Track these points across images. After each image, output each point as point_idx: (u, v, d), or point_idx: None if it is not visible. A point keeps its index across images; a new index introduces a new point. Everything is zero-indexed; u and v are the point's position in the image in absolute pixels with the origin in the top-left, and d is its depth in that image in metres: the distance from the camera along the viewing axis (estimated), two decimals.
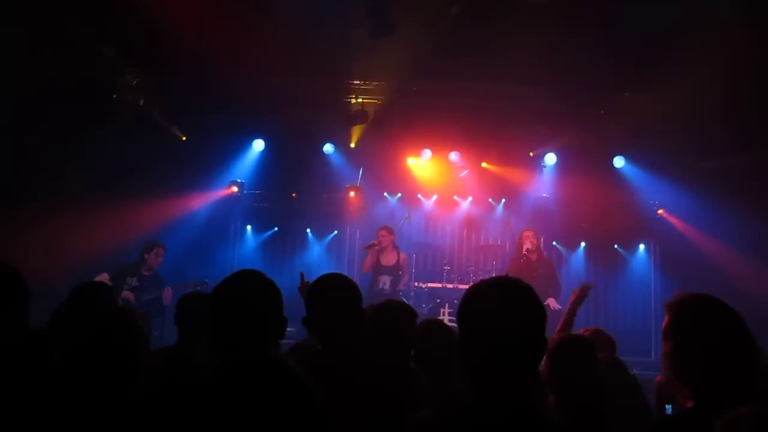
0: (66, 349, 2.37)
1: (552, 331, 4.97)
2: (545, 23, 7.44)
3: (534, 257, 8.64)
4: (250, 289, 2.24)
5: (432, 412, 1.79)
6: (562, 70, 8.48)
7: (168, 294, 7.80)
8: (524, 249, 8.58)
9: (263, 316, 2.19)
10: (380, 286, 8.81)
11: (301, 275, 3.90)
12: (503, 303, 1.74)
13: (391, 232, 9.08)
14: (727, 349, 1.98)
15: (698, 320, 2.07)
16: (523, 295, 1.77)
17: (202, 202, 10.41)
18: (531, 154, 10.92)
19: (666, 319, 2.16)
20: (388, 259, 9.03)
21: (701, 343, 2.01)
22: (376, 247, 8.97)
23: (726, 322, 2.04)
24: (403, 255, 9.19)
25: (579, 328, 4.09)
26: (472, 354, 1.75)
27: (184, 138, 10.15)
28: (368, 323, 2.94)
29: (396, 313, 3.03)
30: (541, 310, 1.77)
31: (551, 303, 8.23)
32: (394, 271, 9.00)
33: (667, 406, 3.56)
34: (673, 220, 10.68)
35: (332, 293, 2.65)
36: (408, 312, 3.11)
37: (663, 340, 2.13)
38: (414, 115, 10.11)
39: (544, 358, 2.93)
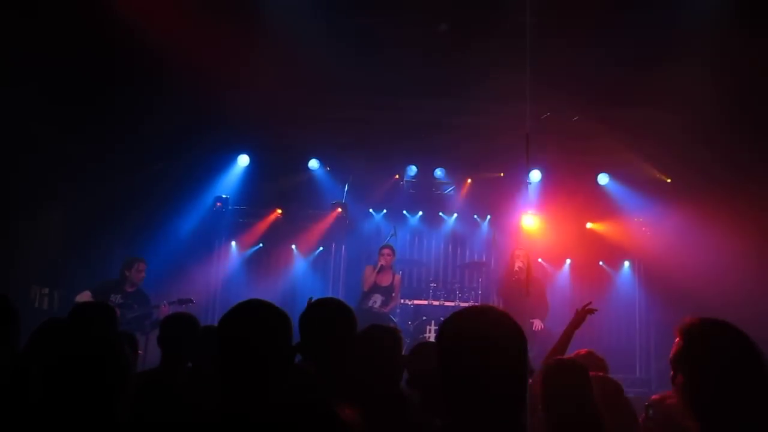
0: (47, 374, 2.30)
1: (544, 351, 4.97)
2: (532, 41, 7.47)
3: (524, 276, 8.64)
4: (259, 326, 2.14)
5: None
6: (547, 87, 8.50)
7: (165, 309, 7.67)
8: (516, 267, 8.60)
9: (271, 354, 2.11)
10: (369, 303, 8.81)
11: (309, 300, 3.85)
12: (483, 332, 1.74)
13: (394, 252, 9.09)
14: (740, 381, 1.93)
15: (710, 349, 2.01)
16: (503, 323, 1.77)
17: (186, 217, 10.31)
18: (501, 174, 10.93)
19: (676, 344, 2.11)
20: (385, 278, 9.07)
21: (714, 374, 1.96)
22: (382, 263, 8.96)
23: (739, 352, 1.99)
24: (397, 276, 9.27)
25: (570, 349, 4.05)
26: (455, 383, 1.74)
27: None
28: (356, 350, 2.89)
29: (378, 338, 2.97)
30: (521, 337, 1.77)
31: (536, 324, 8.23)
32: (388, 291, 9.05)
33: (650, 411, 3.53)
34: (658, 237, 10.72)
35: (327, 320, 2.61)
36: (392, 335, 3.05)
37: (673, 369, 2.09)
38: (400, 131, 10.09)
39: (539, 381, 2.90)
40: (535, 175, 10.82)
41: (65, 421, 2.16)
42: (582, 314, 4.26)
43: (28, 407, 2.31)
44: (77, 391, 2.20)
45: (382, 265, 9.01)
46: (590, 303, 4.41)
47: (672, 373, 2.10)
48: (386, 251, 9.07)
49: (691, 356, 2.04)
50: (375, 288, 8.97)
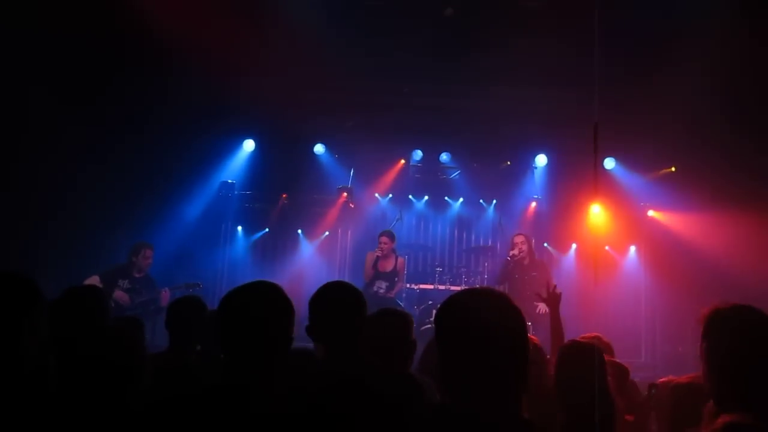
0: (65, 360, 2.33)
1: (545, 336, 4.98)
2: (538, 25, 7.44)
3: (526, 261, 8.67)
4: (260, 302, 2.17)
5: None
6: (554, 72, 8.47)
7: (165, 295, 7.75)
8: (516, 252, 8.61)
9: (272, 330, 2.14)
10: (374, 289, 8.82)
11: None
12: (481, 312, 1.76)
13: (392, 238, 9.07)
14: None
15: (736, 335, 2.02)
16: (501, 303, 1.79)
17: (193, 202, 10.34)
18: (508, 163, 10.93)
19: (703, 331, 2.11)
20: (387, 264, 9.05)
21: (735, 360, 1.98)
22: (379, 254, 8.97)
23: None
24: (401, 259, 9.25)
25: (575, 334, 4.06)
26: (453, 364, 1.75)
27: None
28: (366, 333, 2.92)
29: (390, 323, 2.99)
30: (520, 317, 1.78)
31: (541, 308, 8.24)
32: (391, 276, 9.04)
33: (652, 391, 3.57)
34: (663, 222, 10.72)
35: (337, 302, 2.63)
36: (404, 319, 3.07)
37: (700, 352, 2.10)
38: (406, 115, 10.07)
39: (553, 364, 2.93)
40: (541, 160, 10.80)
41: (78, 409, 2.19)
42: (552, 300, 4.31)
43: (48, 396, 2.33)
44: (90, 380, 2.24)
45: (378, 256, 9.01)
46: (555, 286, 4.50)
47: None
48: (383, 239, 9.01)
49: (717, 328, 2.05)
50: (378, 275, 8.98)
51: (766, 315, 2.05)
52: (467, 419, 1.69)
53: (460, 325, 1.77)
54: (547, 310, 8.18)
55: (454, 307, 1.82)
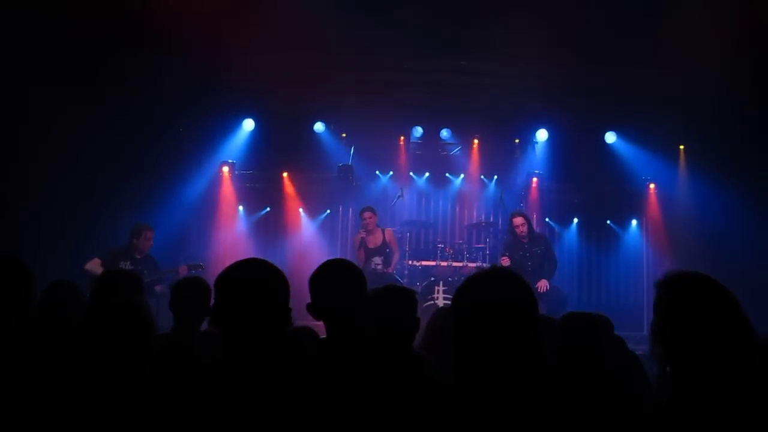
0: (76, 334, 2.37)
1: (553, 310, 5.00)
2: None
3: (526, 239, 8.69)
4: (255, 280, 2.17)
5: (433, 410, 1.78)
6: (554, 46, 8.41)
7: (183, 270, 7.79)
8: (516, 233, 8.65)
9: (269, 309, 2.14)
10: (373, 266, 8.84)
11: None
12: (495, 293, 1.79)
13: (374, 212, 9.08)
14: (711, 325, 1.92)
15: (683, 294, 2.01)
16: (514, 283, 1.82)
17: (193, 182, 10.33)
18: (516, 141, 10.92)
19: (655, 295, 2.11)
20: (375, 240, 9.06)
21: (683, 316, 1.96)
22: (363, 235, 8.98)
23: (712, 297, 1.98)
24: (388, 230, 9.23)
25: (578, 307, 4.08)
26: (467, 344, 1.78)
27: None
28: (370, 310, 2.93)
29: (397, 298, 3.00)
30: (532, 297, 1.82)
31: (541, 285, 8.28)
32: (383, 249, 9.05)
33: None
34: (665, 195, 10.72)
35: (338, 278, 2.63)
36: (409, 296, 3.08)
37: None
38: (405, 92, 10.02)
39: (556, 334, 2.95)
40: (542, 135, 10.76)
41: (97, 378, 2.21)
42: None
43: (39, 369, 2.37)
44: (107, 350, 2.26)
45: (362, 236, 9.03)
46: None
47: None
48: (366, 215, 9.00)
49: (665, 303, 2.03)
50: (370, 252, 8.99)
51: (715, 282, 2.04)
52: (486, 400, 1.71)
53: (475, 304, 1.80)
54: (547, 287, 8.28)
55: (471, 289, 1.85)
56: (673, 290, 2.03)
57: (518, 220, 8.69)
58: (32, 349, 2.51)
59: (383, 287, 3.03)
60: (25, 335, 2.52)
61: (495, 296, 1.78)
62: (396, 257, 9.27)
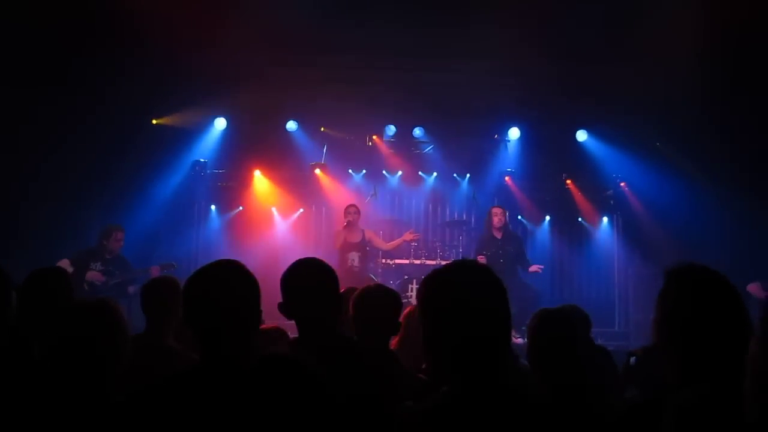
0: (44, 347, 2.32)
1: (522, 306, 5.01)
2: None
3: (500, 235, 8.77)
4: (227, 281, 2.15)
5: (413, 404, 1.77)
6: (527, 45, 8.45)
7: (156, 270, 7.72)
8: (493, 225, 8.72)
9: (240, 309, 2.13)
10: (349, 263, 8.88)
11: None
12: (463, 283, 1.77)
13: (358, 210, 9.18)
14: (721, 315, 1.91)
15: (694, 285, 1.99)
16: (486, 277, 1.80)
17: (165, 182, 10.23)
18: (496, 136, 10.98)
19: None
20: (355, 236, 9.10)
21: (688, 313, 1.94)
22: (347, 225, 9.02)
23: (722, 289, 1.97)
24: (368, 232, 9.32)
25: (550, 304, 4.11)
26: (437, 336, 1.76)
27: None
28: (353, 310, 2.93)
29: (383, 302, 3.01)
30: (501, 287, 1.79)
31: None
32: (361, 247, 9.10)
33: (631, 358, 3.62)
34: (636, 193, 10.83)
35: (309, 278, 2.62)
36: (394, 298, 3.10)
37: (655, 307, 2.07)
38: (378, 90, 10.01)
39: (528, 331, 2.95)
40: (514, 133, 10.81)
41: (61, 396, 2.18)
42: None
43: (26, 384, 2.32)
44: (72, 365, 2.22)
45: (349, 221, 9.08)
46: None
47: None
48: (351, 209, 9.18)
49: (669, 293, 2.03)
50: (348, 246, 9.05)
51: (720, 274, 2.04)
52: (458, 396, 1.70)
53: (445, 298, 1.77)
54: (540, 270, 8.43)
55: (438, 282, 1.82)
56: (684, 280, 2.01)
57: (497, 210, 8.88)
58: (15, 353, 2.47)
59: (373, 286, 3.05)
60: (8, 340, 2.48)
61: (465, 294, 1.76)
62: (370, 255, 9.34)
